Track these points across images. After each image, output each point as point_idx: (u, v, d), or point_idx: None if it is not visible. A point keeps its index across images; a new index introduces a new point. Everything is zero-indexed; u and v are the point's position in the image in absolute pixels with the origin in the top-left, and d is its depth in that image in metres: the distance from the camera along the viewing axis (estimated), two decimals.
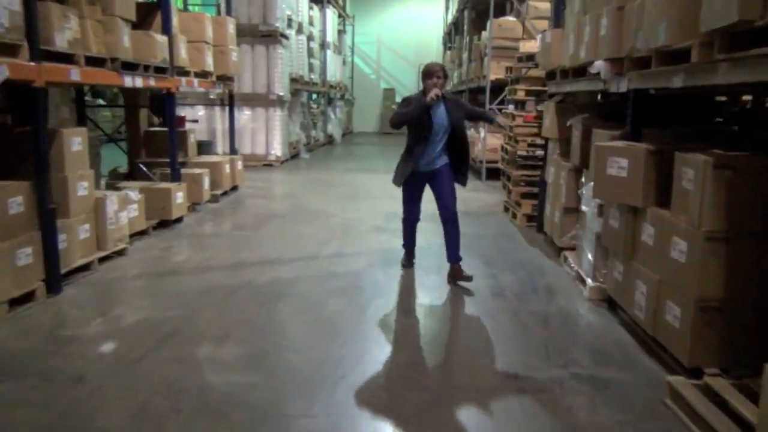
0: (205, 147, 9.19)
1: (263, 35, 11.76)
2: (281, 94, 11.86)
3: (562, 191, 5.20)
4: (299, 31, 13.84)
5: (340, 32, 20.88)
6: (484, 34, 10.63)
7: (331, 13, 17.91)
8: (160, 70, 5.98)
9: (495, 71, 10.04)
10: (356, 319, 3.86)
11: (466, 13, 12.94)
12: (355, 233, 6.24)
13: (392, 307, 4.10)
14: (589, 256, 4.37)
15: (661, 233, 3.17)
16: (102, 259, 4.93)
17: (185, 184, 6.51)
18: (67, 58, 4.43)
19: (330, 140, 17.92)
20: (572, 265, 4.77)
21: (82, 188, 4.71)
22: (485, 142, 10.16)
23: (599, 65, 3.97)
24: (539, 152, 6.51)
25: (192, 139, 8.32)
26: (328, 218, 6.91)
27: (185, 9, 12.61)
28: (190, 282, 4.57)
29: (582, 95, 5.74)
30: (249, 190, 8.85)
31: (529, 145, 6.48)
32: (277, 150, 12.04)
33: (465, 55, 13.02)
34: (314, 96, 19.36)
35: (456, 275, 4.67)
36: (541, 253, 5.52)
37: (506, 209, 7.27)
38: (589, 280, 4.29)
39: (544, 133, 5.96)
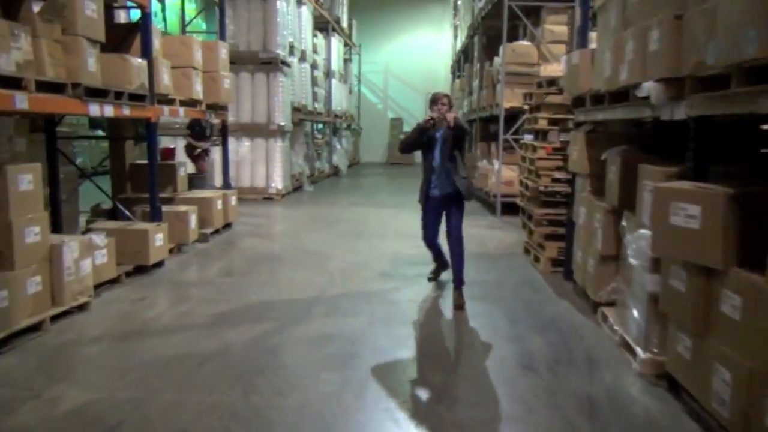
0: (197, 181, 8.52)
1: (263, 62, 11.20)
2: (282, 123, 11.25)
3: (598, 236, 4.43)
4: (302, 58, 13.30)
5: (346, 61, 20.44)
6: (497, 59, 10.00)
7: (336, 42, 17.46)
8: (137, 98, 5.33)
9: (509, 99, 9.36)
10: (350, 405, 3.07)
11: (476, 39, 12.35)
12: (356, 280, 5.48)
13: (396, 387, 3.31)
14: (638, 317, 3.58)
15: (754, 306, 2.39)
16: (57, 317, 4.20)
17: (166, 224, 5.80)
18: (14, 83, 3.77)
19: (335, 171, 17.29)
20: (614, 326, 3.98)
21: (32, 234, 4.00)
22: (500, 174, 9.44)
23: (649, 87, 3.25)
24: (565, 188, 5.77)
25: (182, 173, 7.67)
26: (327, 261, 6.16)
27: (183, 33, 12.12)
28: (156, 347, 3.81)
29: (614, 124, 5.01)
30: (244, 227, 8.14)
31: (553, 180, 5.74)
32: (278, 183, 11.38)
33: (476, 83, 12.39)
34: (319, 126, 18.82)
35: (457, 301, 4.79)
36: (572, 308, 4.72)
37: (527, 251, 6.50)
38: (639, 350, 3.49)
39: (571, 167, 5.23)
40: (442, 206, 5.22)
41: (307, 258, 6.32)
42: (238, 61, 11.22)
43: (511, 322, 4.37)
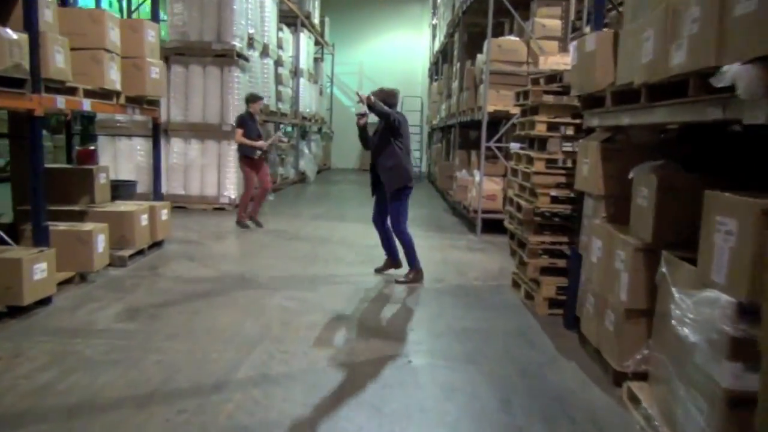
0: (125, 190, 7.17)
1: (217, 55, 9.88)
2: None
3: (622, 282, 3.26)
4: (264, 53, 12.00)
5: (317, 60, 19.19)
6: (480, 57, 8.85)
7: (306, 38, 16.19)
8: (12, 83, 4.01)
9: (493, 101, 8.22)
10: None
11: (456, 36, 11.21)
12: (300, 328, 4.21)
13: None
14: (700, 420, 2.39)
15: None
16: None
17: (53, 251, 4.46)
18: None
19: (302, 178, 15.99)
20: (653, 419, 2.79)
21: None
22: (481, 187, 8.27)
23: (736, 73, 2.07)
24: (566, 209, 4.60)
25: (102, 180, 6.33)
26: (269, 297, 4.89)
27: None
28: None
29: (638, 132, 3.86)
30: (178, 246, 6.81)
31: (553, 201, 4.56)
32: (231, 191, 10.05)
33: (455, 85, 11.25)
34: (288, 128, 17.51)
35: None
36: (584, 377, 3.52)
37: (516, 284, 5.32)
38: None
39: (579, 186, 4.06)
40: (381, 193, 5.60)
41: (243, 292, 5.03)
42: (187, 53, 9.92)
43: (503, 403, 3.14)
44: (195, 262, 6.09)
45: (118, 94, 5.54)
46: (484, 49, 8.42)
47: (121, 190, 7.06)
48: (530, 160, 4.86)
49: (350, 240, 7.69)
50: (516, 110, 8.20)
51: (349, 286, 5.35)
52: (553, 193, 4.52)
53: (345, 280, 5.55)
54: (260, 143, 7.97)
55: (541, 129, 4.59)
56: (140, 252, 6.11)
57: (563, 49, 8.11)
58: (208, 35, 9.91)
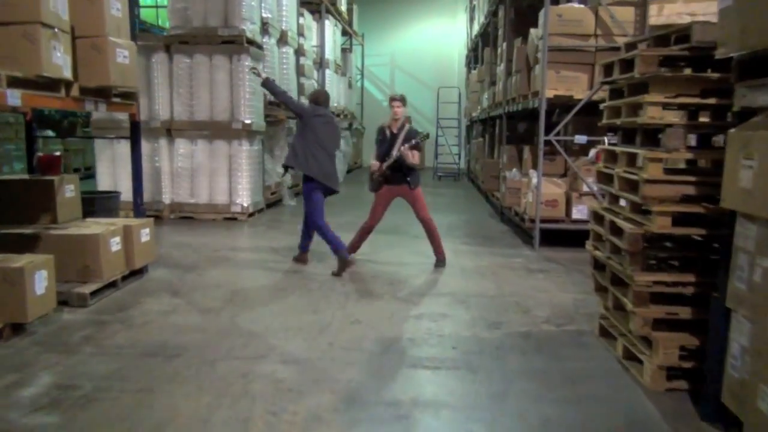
0: (103, 204, 5.91)
1: (224, 41, 8.57)
2: (249, 121, 8.61)
3: None
4: (282, 41, 10.66)
5: (345, 51, 17.79)
6: (534, 32, 7.28)
7: (331, 26, 14.81)
8: None
9: (553, 85, 6.66)
10: None
11: (501, 12, 9.64)
12: (296, 424, 2.80)
13: None
14: None
15: None
16: None
17: None
18: None
19: None
20: None
21: None
22: (539, 191, 6.73)
23: None
24: (697, 235, 3.06)
25: (69, 193, 5.07)
26: (259, 360, 3.51)
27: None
28: None
29: None
30: (165, 273, 5.50)
31: (676, 222, 3.03)
32: (244, 198, 8.74)
33: (500, 69, 9.68)
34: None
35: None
36: None
37: (604, 331, 3.81)
38: None
39: (731, 202, 2.53)
40: None
41: (226, 351, 3.65)
42: (191, 41, 8.63)
43: None
44: (179, 298, 4.74)
45: (68, 83, 4.22)
46: (540, 21, 6.86)
47: (98, 204, 5.79)
48: (632, 160, 3.33)
49: (381, 260, 6.27)
50: (581, 95, 6.67)
51: (371, 337, 3.92)
52: (677, 210, 2.98)
53: (367, 327, 4.13)
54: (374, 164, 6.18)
55: (654, 114, 3.05)
56: (111, 284, 4.81)
57: (641, 15, 6.49)
58: (214, 19, 8.60)
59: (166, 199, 8.80)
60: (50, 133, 13.76)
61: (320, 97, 6.10)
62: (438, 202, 11.44)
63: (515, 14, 9.25)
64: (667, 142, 3.06)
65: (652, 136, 3.29)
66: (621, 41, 6.52)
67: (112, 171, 8.91)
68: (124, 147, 8.85)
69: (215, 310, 4.44)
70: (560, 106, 7.30)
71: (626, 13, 6.54)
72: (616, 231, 3.46)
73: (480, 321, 4.26)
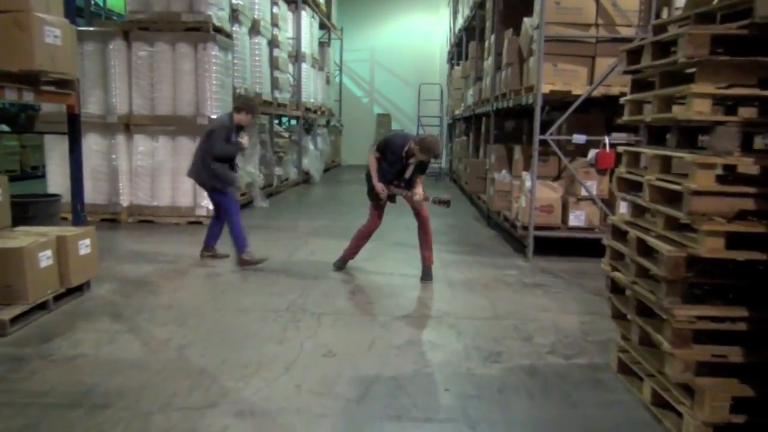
0: (41, 209, 5.15)
1: (189, 29, 7.82)
2: (216, 117, 7.86)
3: None
4: (255, 30, 9.93)
5: (323, 45, 17.06)
6: (528, 21, 6.67)
7: (308, 18, 14.08)
8: None
9: (549, 78, 6.06)
10: None
11: (489, 4, 9.03)
12: None
13: None
14: None
15: None
16: None
17: None
18: None
19: (306, 178, 13.93)
20: None
21: None
22: (533, 194, 6.12)
23: None
24: (758, 257, 2.45)
25: None
26: (208, 412, 2.83)
27: None
28: None
29: None
30: (111, 290, 4.77)
31: (729, 242, 2.42)
32: (209, 201, 7.98)
33: (487, 63, 9.08)
34: (293, 122, 15.48)
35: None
36: None
37: (626, 368, 3.20)
38: None
39: None
40: None
41: (162, 406, 2.96)
42: (152, 27, 7.87)
43: None
44: (121, 323, 4.02)
45: None
46: (536, 8, 6.25)
47: (34, 209, 5.03)
48: (666, 165, 2.72)
49: (357, 271, 5.61)
50: (580, 90, 6.08)
51: (347, 376, 3.25)
52: (732, 230, 2.37)
53: (342, 361, 3.47)
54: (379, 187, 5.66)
55: (702, 108, 2.43)
56: (41, 306, 4.07)
57: (646, 4, 5.92)
58: (178, 4, 7.85)
59: (124, 200, 8.03)
60: (4, 127, 12.82)
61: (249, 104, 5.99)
62: None
63: (504, 5, 8.64)
64: (717, 144, 2.45)
65: (689, 136, 2.68)
66: (624, 32, 5.98)
67: (64, 170, 8.08)
68: None
69: (162, 338, 3.74)
70: (554, 102, 6.72)
71: (630, 2, 5.96)
72: (645, 250, 2.85)
73: (475, 352, 3.63)
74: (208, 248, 6.01)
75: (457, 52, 14.92)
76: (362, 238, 5.63)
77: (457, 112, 14.23)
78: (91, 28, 8.26)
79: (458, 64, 14.66)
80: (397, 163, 5.28)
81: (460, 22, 13.58)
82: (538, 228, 6.19)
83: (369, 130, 20.07)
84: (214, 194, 5.77)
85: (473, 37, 11.50)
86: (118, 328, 3.92)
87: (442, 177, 15.90)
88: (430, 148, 5.02)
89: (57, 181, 8.08)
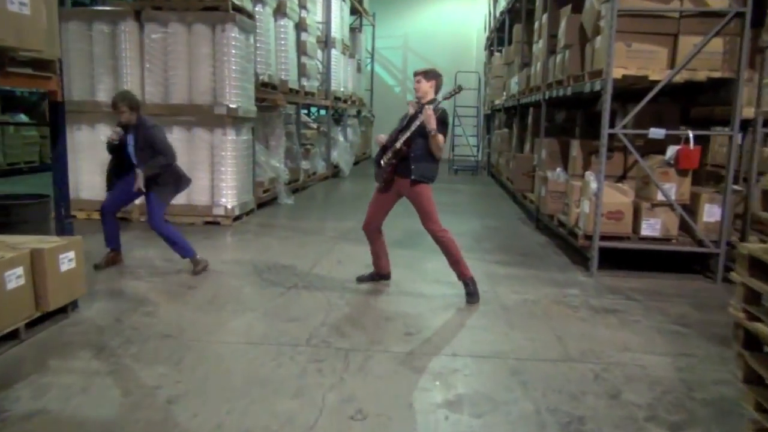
0: (25, 213, 4.43)
1: (206, 7, 7.05)
2: (235, 106, 7.11)
3: None
4: (280, 12, 9.14)
5: (354, 30, 16.21)
6: None
7: (338, 1, 13.23)
8: None
9: (621, 61, 5.10)
10: None
11: None
12: None
13: None
14: None
15: None
16: None
17: None
18: None
19: (336, 172, 13.15)
20: None
21: None
22: (599, 198, 5.19)
23: None
24: None
25: None
26: None
27: None
28: None
29: None
30: (98, 312, 4.04)
31: None
32: (229, 198, 7.25)
33: (538, 47, 8.12)
34: (322, 112, 14.70)
35: None
36: None
37: None
38: None
39: None
40: None
41: None
42: (165, 5, 7.12)
43: None
44: (102, 360, 3.27)
45: None
46: None
47: (17, 213, 4.32)
48: None
49: (387, 290, 4.78)
50: (659, 75, 5.10)
51: None
52: None
53: (375, 426, 2.64)
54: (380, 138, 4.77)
55: None
56: (11, 335, 3.35)
57: None
58: None
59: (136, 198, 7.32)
60: (23, 117, 12.33)
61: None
62: (456, 201, 9.93)
63: None
64: None
65: None
66: (715, 4, 4.99)
67: (73, 165, 7.43)
68: (85, 134, 7.41)
69: (149, 386, 2.96)
70: (620, 90, 5.74)
71: None
72: None
73: (550, 416, 2.76)
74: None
75: (498, 37, 13.91)
76: (370, 240, 4.86)
77: (497, 102, 13.24)
78: (99, 8, 7.57)
79: (499, 51, 13.66)
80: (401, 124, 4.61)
81: (502, 4, 12.57)
82: (604, 237, 5.27)
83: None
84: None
85: (518, 20, 10.51)
86: (98, 367, 3.16)
87: (479, 171, 14.95)
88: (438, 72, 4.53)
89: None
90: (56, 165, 3.86)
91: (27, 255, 3.46)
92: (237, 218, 7.37)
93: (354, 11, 15.90)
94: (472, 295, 4.47)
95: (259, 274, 5.05)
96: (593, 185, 5.27)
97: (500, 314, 4.23)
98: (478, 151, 15.84)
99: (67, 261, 3.74)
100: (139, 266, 5.21)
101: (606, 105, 5.06)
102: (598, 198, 5.20)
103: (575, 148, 6.38)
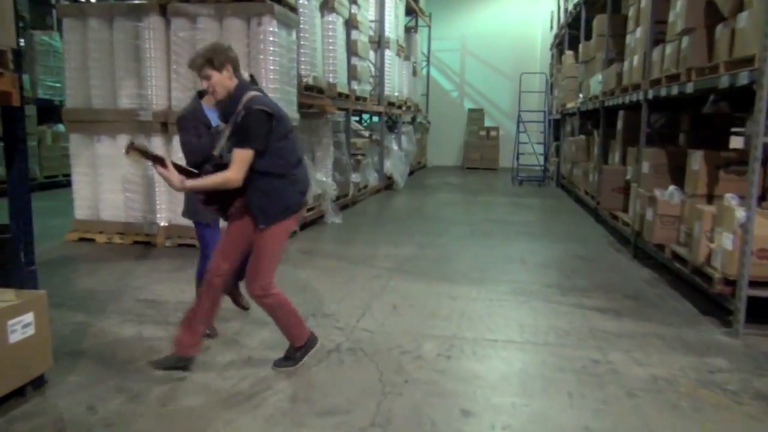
0: None
1: None
2: (272, 112, 6.03)
3: None
4: (327, 6, 8.07)
5: (410, 31, 15.08)
6: None
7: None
8: None
9: None
10: None
11: None
12: None
13: None
14: None
15: None
16: None
17: None
18: None
19: (389, 184, 12.00)
20: None
21: None
22: (747, 231, 3.81)
23: None
24: None
25: None
26: None
27: None
28: None
29: None
30: (78, 387, 3.00)
31: None
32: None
33: (634, 37, 6.72)
34: (375, 119, 13.64)
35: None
36: None
37: None
38: None
39: None
40: None
41: None
42: None
43: None
44: None
45: None
46: None
47: None
48: None
49: (469, 359, 3.54)
50: None
51: None
52: None
53: None
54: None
55: None
56: None
57: None
58: None
59: (162, 219, 6.37)
60: (62, 128, 11.73)
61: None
62: (526, 218, 8.62)
63: None
64: None
65: None
66: None
67: (93, 179, 6.57)
68: (106, 146, 6.50)
69: None
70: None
71: None
72: None
73: None
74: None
75: (569, 34, 12.48)
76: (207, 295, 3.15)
77: (569, 105, 11.81)
78: (118, 2, 6.67)
79: (571, 49, 12.23)
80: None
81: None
82: (754, 283, 3.88)
83: (459, 128, 17.93)
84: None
85: (599, 10, 9.11)
86: None
87: (546, 182, 13.50)
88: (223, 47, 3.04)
89: (83, 193, 6.59)
90: (13, 192, 2.82)
91: None
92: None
93: (409, 11, 14.79)
94: (288, 360, 3.23)
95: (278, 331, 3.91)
96: (740, 213, 3.89)
97: (627, 406, 2.93)
98: (545, 160, 14.38)
99: (21, 327, 2.69)
100: (148, 307, 4.16)
101: (761, 104, 3.68)
102: (747, 231, 3.82)
103: (697, 161, 4.98)
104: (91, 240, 6.44)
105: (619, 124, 7.56)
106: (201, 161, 3.06)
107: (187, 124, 3.43)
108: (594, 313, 4.30)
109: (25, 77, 10.70)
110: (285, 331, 3.23)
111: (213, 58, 2.90)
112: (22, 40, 11.13)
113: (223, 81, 2.94)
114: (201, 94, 3.51)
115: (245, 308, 3.90)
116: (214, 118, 3.43)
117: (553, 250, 6.53)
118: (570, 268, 5.71)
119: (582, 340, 3.76)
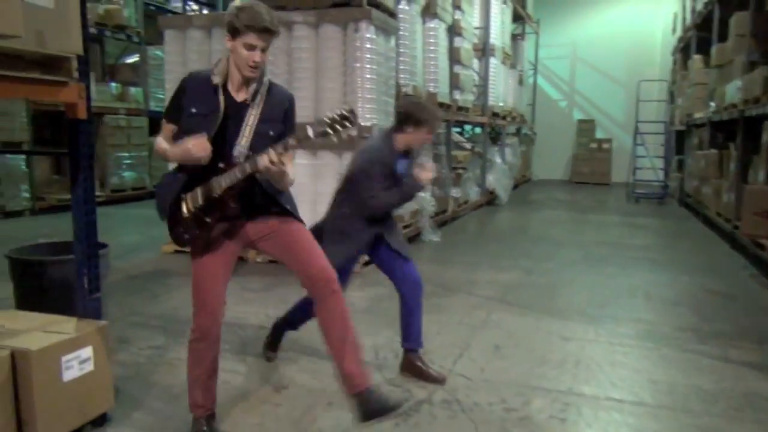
0: (47, 277, 3.26)
1: (335, 4, 5.74)
2: (369, 124, 5.70)
3: None
4: (429, 11, 7.64)
5: (516, 38, 14.35)
6: None
7: (499, 4, 11.50)
8: None
9: None
10: None
11: None
12: None
13: None
14: None
15: None
16: None
17: None
18: None
19: (491, 199, 11.34)
20: None
21: None
22: None
23: None
24: None
25: None
26: None
27: None
28: None
29: None
30: (150, 424, 2.70)
31: None
32: None
33: None
34: (477, 130, 13.07)
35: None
36: None
37: None
38: None
39: None
40: None
41: None
42: (288, 3, 5.92)
43: None
44: None
45: None
46: None
47: (51, 275, 3.15)
48: None
49: (588, 415, 2.91)
50: None
51: None
52: None
53: None
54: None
55: None
56: None
57: None
58: None
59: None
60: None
61: None
62: (644, 242, 7.67)
63: None
64: None
65: None
66: None
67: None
68: None
69: None
70: None
71: None
72: None
73: None
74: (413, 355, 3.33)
75: (698, 36, 11.24)
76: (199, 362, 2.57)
77: (697, 115, 10.59)
78: (218, 13, 6.61)
79: (699, 53, 10.99)
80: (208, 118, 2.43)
81: None
82: None
83: (567, 139, 16.86)
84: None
85: (737, 7, 8.01)
86: None
87: (667, 200, 12.24)
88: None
89: None
90: (78, 213, 2.59)
91: (7, 358, 2.18)
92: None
93: (516, 18, 14.07)
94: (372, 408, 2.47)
95: (379, 369, 3.45)
96: None
97: None
98: (665, 175, 13.08)
99: (78, 363, 2.42)
100: (231, 333, 3.87)
101: None
102: None
103: None
104: (186, 253, 6.36)
105: (765, 137, 6.50)
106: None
107: (376, 171, 2.99)
108: (747, 371, 3.50)
109: (139, 90, 11.16)
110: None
111: None
112: (137, 55, 11.67)
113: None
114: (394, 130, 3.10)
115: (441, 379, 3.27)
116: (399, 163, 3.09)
117: (683, 282, 5.65)
118: (706, 306, 4.84)
119: (736, 409, 3.00)
